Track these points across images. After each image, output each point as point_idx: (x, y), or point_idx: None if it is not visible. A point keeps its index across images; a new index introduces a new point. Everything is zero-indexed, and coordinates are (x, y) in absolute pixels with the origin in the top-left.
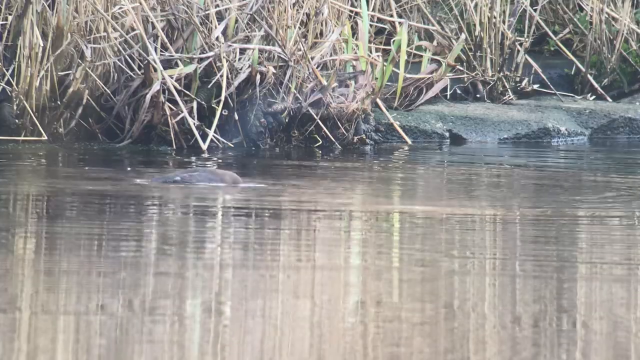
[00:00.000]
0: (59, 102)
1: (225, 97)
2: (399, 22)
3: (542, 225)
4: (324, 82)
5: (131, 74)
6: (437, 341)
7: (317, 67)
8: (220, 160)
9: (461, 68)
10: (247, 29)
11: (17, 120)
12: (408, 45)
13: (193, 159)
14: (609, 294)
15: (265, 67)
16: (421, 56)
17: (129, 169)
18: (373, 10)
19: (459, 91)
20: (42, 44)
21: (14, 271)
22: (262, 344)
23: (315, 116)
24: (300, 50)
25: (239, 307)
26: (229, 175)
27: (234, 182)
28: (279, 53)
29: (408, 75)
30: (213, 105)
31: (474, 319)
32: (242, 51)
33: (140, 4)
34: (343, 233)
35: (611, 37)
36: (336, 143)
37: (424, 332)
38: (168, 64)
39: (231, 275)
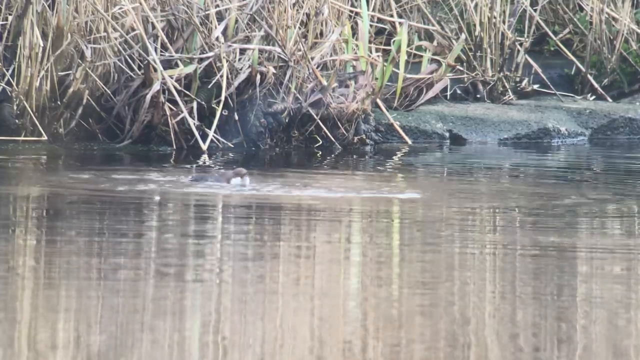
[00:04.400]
0: (59, 102)
1: (225, 97)
2: (399, 22)
3: None
4: (324, 82)
5: (131, 74)
6: None
7: (317, 67)
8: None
9: (461, 68)
10: (247, 29)
11: (17, 120)
12: (408, 46)
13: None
14: None
15: (265, 67)
16: (421, 56)
17: (116, 170)
18: (373, 10)
19: (459, 91)
20: (42, 44)
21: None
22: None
23: (315, 116)
24: (300, 50)
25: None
26: (233, 172)
27: (231, 175)
28: (279, 53)
29: (408, 76)
30: (213, 106)
31: None
32: (242, 51)
33: (140, 4)
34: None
35: (611, 37)
36: (336, 143)
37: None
38: (168, 64)
39: None
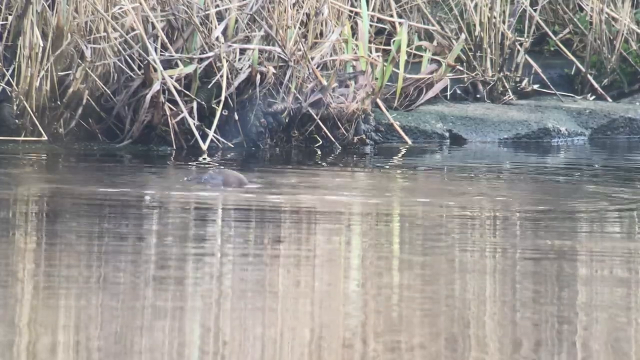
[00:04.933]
0: (59, 102)
1: (225, 97)
2: (399, 22)
3: None
4: (324, 82)
5: (131, 74)
6: None
7: (317, 67)
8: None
9: (461, 68)
10: (247, 29)
11: (17, 121)
12: (408, 46)
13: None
14: None
15: (265, 67)
16: (421, 56)
17: (116, 170)
18: (373, 10)
19: (459, 91)
20: (42, 44)
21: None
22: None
23: (315, 116)
24: (300, 50)
25: None
26: (235, 177)
27: (240, 183)
28: (279, 53)
29: (408, 76)
30: (213, 106)
31: None
32: (242, 51)
33: (140, 4)
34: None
35: (611, 37)
36: (336, 143)
37: None
38: (168, 64)
39: None
